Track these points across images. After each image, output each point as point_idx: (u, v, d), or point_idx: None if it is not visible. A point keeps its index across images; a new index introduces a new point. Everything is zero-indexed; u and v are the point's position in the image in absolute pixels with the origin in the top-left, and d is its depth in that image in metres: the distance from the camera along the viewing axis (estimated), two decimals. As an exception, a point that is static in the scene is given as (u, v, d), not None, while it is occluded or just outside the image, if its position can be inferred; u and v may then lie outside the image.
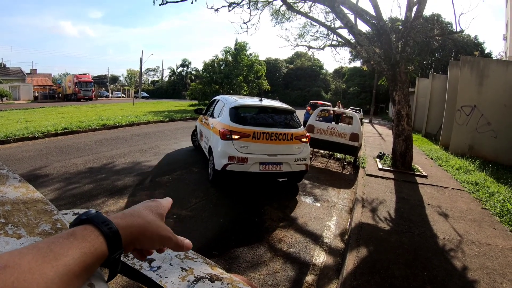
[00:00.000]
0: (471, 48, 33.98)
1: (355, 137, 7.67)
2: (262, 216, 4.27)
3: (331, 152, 9.13)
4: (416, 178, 6.38)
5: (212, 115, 6.18)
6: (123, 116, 14.32)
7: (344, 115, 10.42)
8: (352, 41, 7.93)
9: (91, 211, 0.45)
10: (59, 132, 9.22)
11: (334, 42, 11.90)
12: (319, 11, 16.95)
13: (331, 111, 10.42)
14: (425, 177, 6.47)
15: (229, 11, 9.51)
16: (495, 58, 27.62)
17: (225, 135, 4.88)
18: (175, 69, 61.21)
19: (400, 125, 6.83)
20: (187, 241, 0.57)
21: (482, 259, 3.16)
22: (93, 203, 4.20)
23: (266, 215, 4.31)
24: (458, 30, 6.83)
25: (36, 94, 38.61)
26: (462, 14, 6.85)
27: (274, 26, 16.24)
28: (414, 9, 6.72)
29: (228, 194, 5.03)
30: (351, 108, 23.28)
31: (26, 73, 46.42)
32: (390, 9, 61.11)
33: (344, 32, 8.97)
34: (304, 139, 5.29)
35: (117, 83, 68.93)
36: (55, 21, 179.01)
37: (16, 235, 0.48)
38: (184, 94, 46.63)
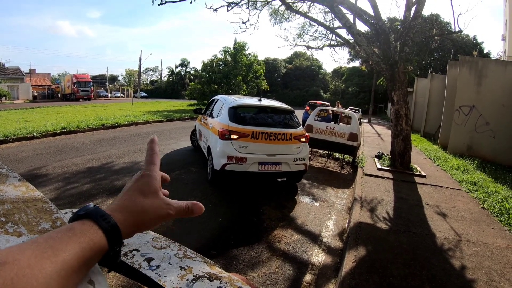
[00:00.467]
0: (469, 48, 34.11)
1: (353, 137, 7.68)
2: (260, 215, 4.28)
3: (329, 152, 9.14)
4: (415, 177, 6.40)
5: (211, 115, 6.18)
6: (122, 116, 14.30)
7: (343, 115, 10.44)
8: (351, 41, 7.94)
9: (89, 205, 0.45)
10: (58, 132, 9.20)
11: (333, 42, 11.90)
12: (318, 11, 16.97)
13: (330, 111, 10.44)
14: (424, 176, 6.49)
15: (228, 11, 9.51)
16: (493, 58, 27.68)
17: (224, 135, 4.88)
18: (174, 69, 61.20)
19: (398, 125, 6.85)
20: (196, 205, 0.54)
21: (481, 259, 3.17)
22: (92, 203, 4.18)
23: (265, 214, 4.32)
24: (456, 30, 6.85)
25: (35, 94, 38.47)
26: (460, 14, 6.84)
27: (273, 26, 16.24)
28: (413, 9, 6.74)
29: (226, 194, 5.03)
30: (349, 108, 23.30)
31: (25, 73, 46.27)
32: (389, 9, 61.10)
33: (343, 32, 8.98)
34: (303, 139, 5.29)
35: (116, 83, 68.79)
36: (54, 21, 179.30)
37: (17, 233, 0.49)
38: (183, 94, 46.59)
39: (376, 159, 7.80)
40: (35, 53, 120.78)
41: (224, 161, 4.79)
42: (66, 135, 9.26)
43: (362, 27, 13.59)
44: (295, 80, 50.57)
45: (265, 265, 3.06)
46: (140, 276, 0.62)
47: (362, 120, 20.69)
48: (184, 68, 59.63)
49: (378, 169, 6.85)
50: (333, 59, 48.10)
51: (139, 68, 34.75)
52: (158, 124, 13.61)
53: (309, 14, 9.89)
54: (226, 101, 5.59)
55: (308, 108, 16.11)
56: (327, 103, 18.39)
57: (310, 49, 12.72)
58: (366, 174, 6.36)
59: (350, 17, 7.52)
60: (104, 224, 0.42)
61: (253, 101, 5.80)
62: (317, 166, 7.80)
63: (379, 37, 6.99)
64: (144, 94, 53.60)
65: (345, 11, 7.33)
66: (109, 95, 51.10)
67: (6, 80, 39.17)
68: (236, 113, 5.19)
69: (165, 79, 64.38)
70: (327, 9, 9.90)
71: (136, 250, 0.93)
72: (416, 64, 28.20)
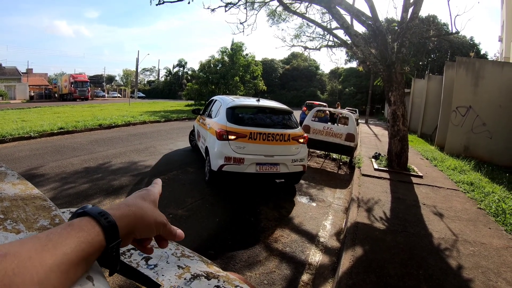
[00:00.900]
0: (466, 49, 34.28)
1: (350, 137, 7.71)
2: (258, 216, 4.28)
3: (327, 152, 9.16)
4: (412, 178, 6.43)
5: (209, 115, 6.17)
6: (119, 116, 14.27)
7: (340, 115, 10.47)
8: (348, 42, 7.97)
9: (88, 206, 0.47)
10: (55, 131, 9.16)
11: (330, 43, 11.91)
12: (315, 12, 16.97)
13: (327, 112, 10.47)
14: (421, 177, 6.52)
15: (226, 11, 9.50)
16: (490, 59, 27.85)
17: (222, 136, 4.87)
18: (171, 69, 61.03)
19: (395, 125, 6.87)
20: (179, 231, 0.59)
21: (477, 258, 3.19)
22: (89, 203, 4.10)
23: (262, 214, 4.32)
24: (454, 31, 6.88)
25: (32, 94, 38.30)
26: (458, 15, 6.87)
27: (271, 26, 16.22)
28: (410, 10, 6.76)
29: (224, 194, 5.03)
30: (347, 109, 23.35)
31: (22, 73, 45.95)
32: (386, 10, 61.52)
33: (340, 33, 9.00)
34: (301, 140, 5.29)
35: (113, 83, 68.58)
36: (51, 20, 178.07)
37: (15, 230, 0.49)
38: (180, 94, 46.47)
39: (373, 160, 7.82)
40: (33, 53, 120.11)
41: (222, 161, 4.78)
42: (63, 135, 9.22)
43: (359, 28, 13.65)
44: (292, 81, 50.63)
45: (263, 265, 3.07)
46: (138, 275, 0.62)
47: (359, 121, 20.74)
48: (181, 69, 59.50)
49: (375, 169, 6.87)
50: (330, 60, 47.99)
51: (137, 68, 34.62)
52: (156, 125, 13.58)
53: (307, 15, 9.89)
54: (224, 101, 5.58)
55: (305, 108, 16.14)
56: (325, 104, 18.44)
57: (307, 50, 12.72)
58: (363, 175, 6.38)
59: (348, 18, 7.54)
60: (101, 219, 0.44)
61: (251, 101, 5.79)
62: (314, 166, 7.82)
63: (376, 38, 7.01)
64: (142, 95, 53.47)
65: (342, 12, 7.35)
66: (106, 95, 50.90)
67: (3, 80, 38.86)
68: (234, 114, 5.18)
69: (163, 79, 64.18)
70: (324, 10, 9.91)
71: (134, 249, 0.93)
72: (413, 65, 28.33)
